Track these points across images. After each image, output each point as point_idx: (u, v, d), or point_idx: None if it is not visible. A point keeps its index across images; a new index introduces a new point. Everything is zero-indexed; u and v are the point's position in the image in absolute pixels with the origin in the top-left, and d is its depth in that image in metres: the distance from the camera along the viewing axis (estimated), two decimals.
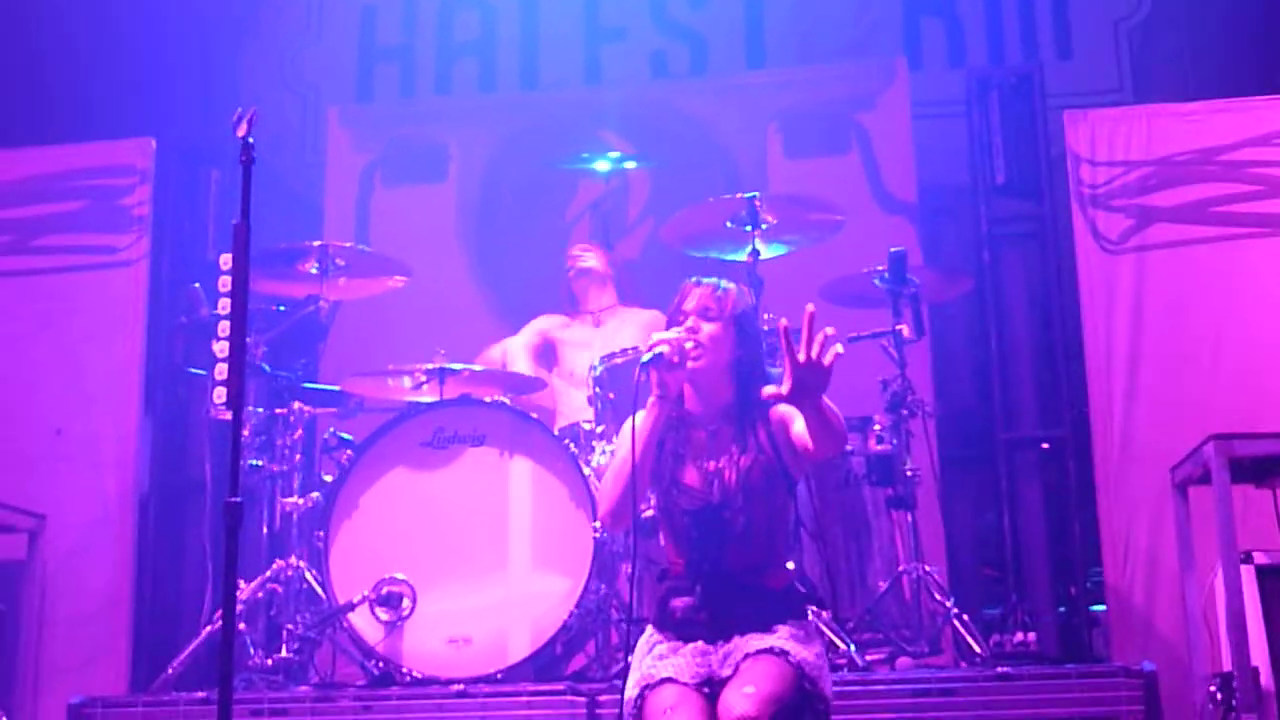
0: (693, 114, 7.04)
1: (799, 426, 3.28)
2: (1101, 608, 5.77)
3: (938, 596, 4.98)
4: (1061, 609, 6.09)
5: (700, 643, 3.29)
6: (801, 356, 3.07)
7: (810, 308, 3.10)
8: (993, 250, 6.48)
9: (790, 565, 3.52)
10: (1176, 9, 7.26)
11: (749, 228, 5.15)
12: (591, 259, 5.86)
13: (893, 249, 5.23)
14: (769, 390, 3.20)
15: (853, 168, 6.80)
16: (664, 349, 3.37)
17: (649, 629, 3.42)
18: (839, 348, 3.08)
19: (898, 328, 5.18)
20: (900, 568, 5.01)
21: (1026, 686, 4.33)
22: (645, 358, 3.38)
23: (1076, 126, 5.99)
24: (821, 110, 6.93)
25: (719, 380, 3.43)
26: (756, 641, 3.24)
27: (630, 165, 5.90)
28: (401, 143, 7.23)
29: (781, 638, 3.24)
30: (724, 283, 3.51)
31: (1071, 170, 5.97)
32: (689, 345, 3.39)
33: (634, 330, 5.62)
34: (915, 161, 6.76)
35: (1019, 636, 5.22)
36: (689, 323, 3.42)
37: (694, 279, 3.53)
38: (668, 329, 3.44)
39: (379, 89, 7.87)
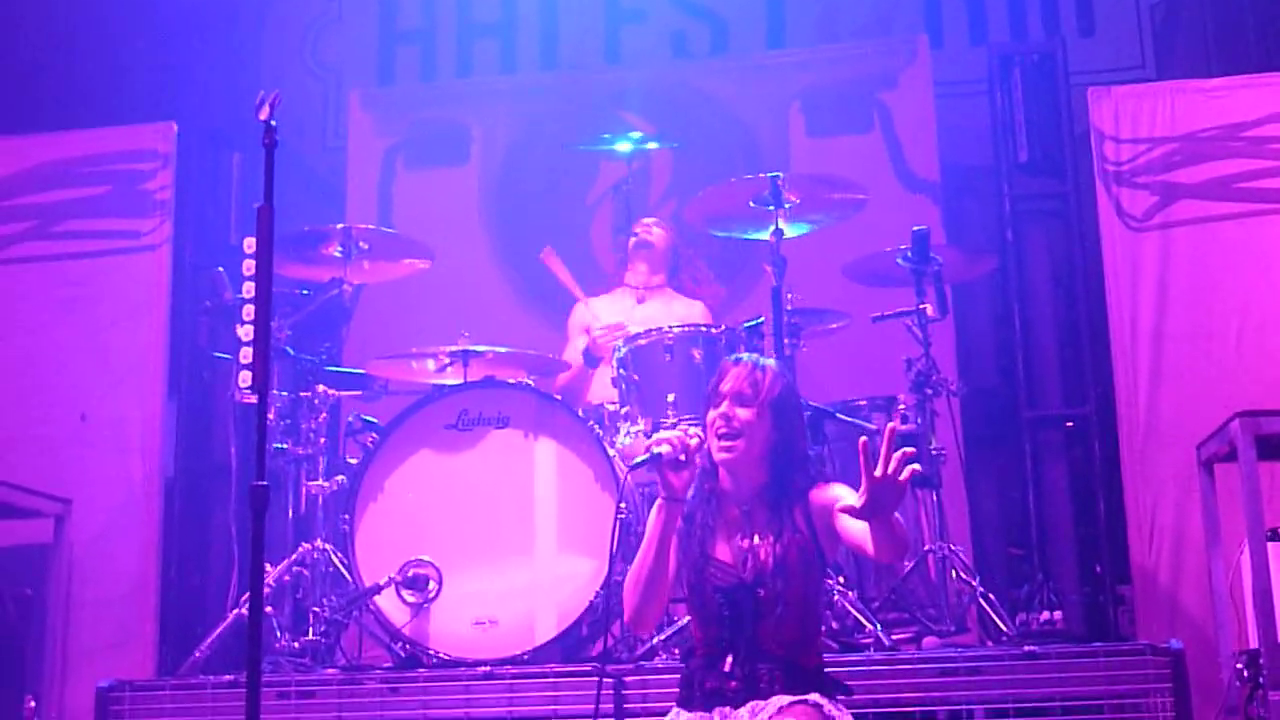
0: (714, 94, 7.03)
1: (853, 527, 3.16)
2: (1127, 586, 5.75)
3: (963, 576, 4.97)
4: (1087, 588, 6.08)
5: (728, 708, 3.20)
6: (878, 472, 2.95)
7: (891, 425, 3.10)
8: (1016, 229, 6.46)
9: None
10: None
11: (772, 207, 5.12)
12: (657, 233, 5.83)
13: (916, 228, 5.20)
14: (844, 502, 3.14)
15: (875, 146, 6.78)
16: (664, 449, 3.26)
17: (673, 710, 3.30)
18: (916, 466, 2.96)
19: (921, 307, 5.16)
20: (926, 547, 4.99)
21: (1053, 665, 4.30)
22: (639, 459, 3.30)
23: (1100, 103, 5.94)
24: (843, 89, 6.91)
25: (755, 464, 3.33)
26: (789, 698, 3.15)
27: (652, 146, 5.88)
28: (423, 125, 7.24)
29: (815, 697, 3.16)
30: (762, 361, 3.40)
31: (1095, 147, 5.93)
32: (692, 442, 3.28)
33: (671, 315, 5.60)
34: (938, 140, 6.74)
35: (1045, 615, 5.21)
36: (723, 407, 3.30)
37: (733, 357, 3.43)
38: (705, 408, 3.34)
39: (400, 72, 7.88)
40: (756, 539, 3.28)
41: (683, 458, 3.27)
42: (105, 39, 7.37)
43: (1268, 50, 6.64)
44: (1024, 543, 6.25)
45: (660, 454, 3.26)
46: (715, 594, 3.29)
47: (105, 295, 6.18)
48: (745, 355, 3.45)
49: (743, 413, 3.29)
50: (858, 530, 3.16)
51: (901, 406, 5.10)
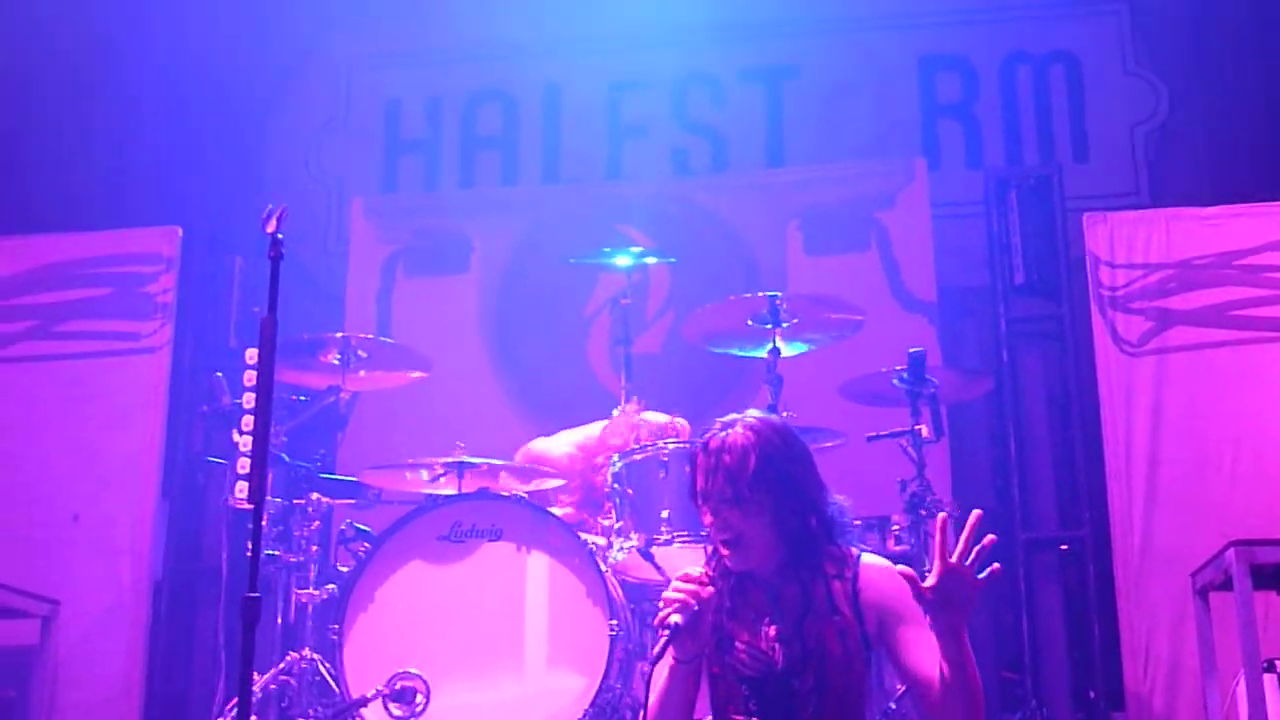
0: (714, 210, 7.10)
1: (919, 657, 2.81)
2: (1122, 713, 5.69)
3: None
4: (1081, 714, 6.02)
5: None
6: (954, 557, 2.67)
7: (977, 513, 2.71)
8: (1012, 350, 6.50)
9: None
10: (1193, 115, 7.32)
11: (770, 325, 5.16)
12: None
13: (912, 349, 5.23)
14: (904, 569, 2.75)
15: (872, 265, 6.83)
16: (676, 619, 2.84)
17: None
18: (996, 566, 2.69)
19: (916, 428, 5.17)
20: None
21: None
22: (660, 646, 2.87)
23: (1096, 228, 6.03)
24: (842, 208, 6.98)
25: (770, 547, 2.97)
26: None
27: (651, 260, 5.92)
28: (425, 234, 7.30)
29: None
30: (730, 436, 2.96)
31: (1091, 272, 6.00)
32: (705, 593, 2.87)
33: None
34: (935, 261, 6.79)
35: None
36: (710, 514, 2.95)
37: (700, 441, 3.04)
38: (693, 499, 2.97)
39: (403, 181, 7.96)
40: (789, 624, 2.91)
41: (696, 611, 2.86)
42: (110, 141, 7.48)
43: (1261, 179, 6.73)
44: (1017, 666, 6.19)
45: (677, 626, 2.85)
46: (740, 686, 2.93)
47: (103, 396, 6.20)
48: (713, 433, 3.01)
49: (732, 513, 2.93)
50: (923, 671, 2.80)
51: (895, 527, 5.09)
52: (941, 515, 2.75)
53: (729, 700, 2.95)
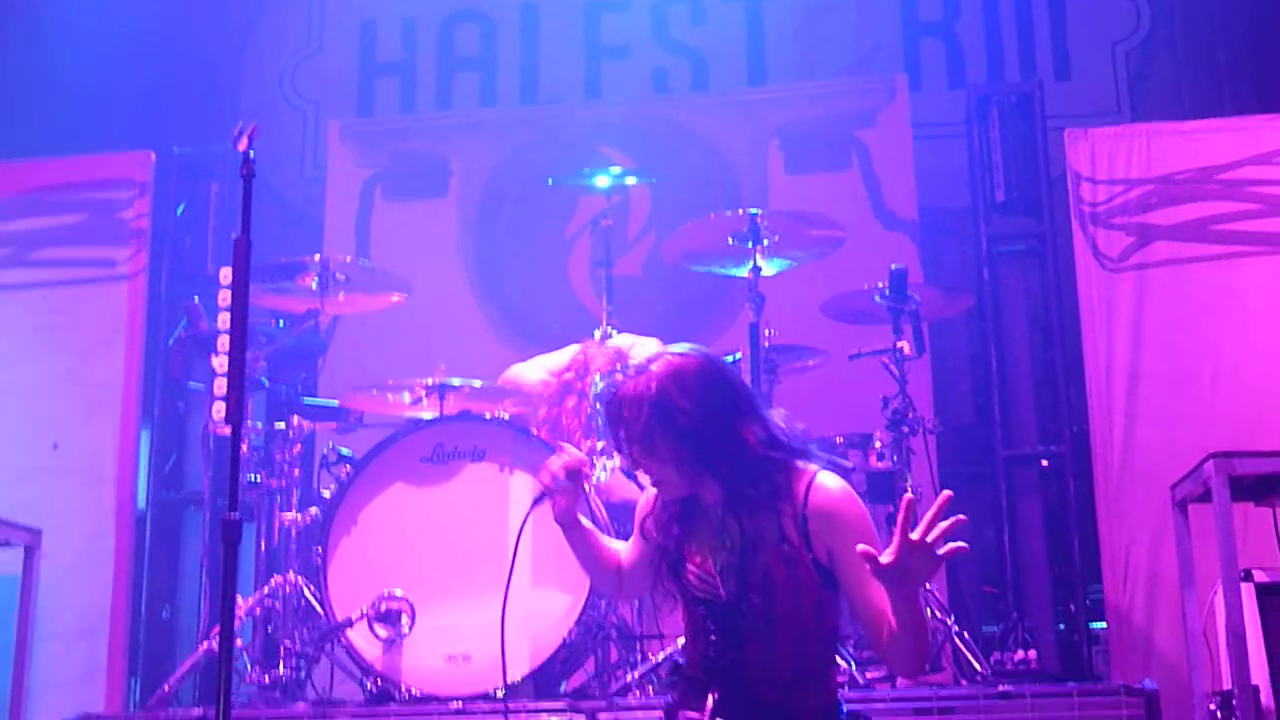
0: (694, 130, 7.04)
1: (868, 601, 2.71)
2: (1102, 625, 5.74)
3: (938, 614, 4.96)
4: (1062, 626, 6.07)
5: None
6: (915, 535, 2.54)
7: (946, 493, 2.58)
8: (993, 268, 6.48)
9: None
10: (1173, 31, 7.28)
11: (751, 244, 5.14)
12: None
13: (893, 266, 5.22)
14: (862, 547, 2.60)
15: (853, 184, 6.80)
16: (544, 479, 3.09)
17: None
18: (963, 545, 2.56)
19: (898, 345, 5.17)
20: None
21: (1028, 704, 4.30)
22: (536, 499, 3.16)
23: (1077, 145, 5.98)
24: (822, 126, 6.93)
25: (697, 483, 2.88)
26: None
27: (631, 181, 5.87)
28: (402, 157, 7.22)
29: None
30: (623, 385, 2.87)
31: (1072, 188, 5.96)
32: (555, 466, 3.08)
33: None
34: (916, 180, 6.76)
35: (1019, 654, 5.20)
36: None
37: (597, 393, 3.00)
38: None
39: (380, 103, 7.87)
40: (735, 553, 2.82)
41: (561, 479, 3.07)
42: (84, 68, 7.36)
43: (1241, 94, 6.70)
44: (999, 581, 6.24)
45: (542, 494, 3.12)
46: (698, 607, 2.88)
47: (80, 324, 6.14)
48: (610, 383, 2.93)
49: (644, 461, 2.87)
50: (871, 608, 2.71)
51: (877, 444, 5.11)
52: (906, 497, 2.59)
53: (691, 619, 2.93)
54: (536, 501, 3.17)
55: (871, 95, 6.95)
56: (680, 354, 2.92)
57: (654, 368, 2.87)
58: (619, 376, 2.92)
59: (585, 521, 3.22)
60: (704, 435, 2.82)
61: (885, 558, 2.56)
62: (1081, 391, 5.84)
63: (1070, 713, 4.28)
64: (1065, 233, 6.08)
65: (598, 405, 4.15)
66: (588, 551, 3.19)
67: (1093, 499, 5.71)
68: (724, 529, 2.86)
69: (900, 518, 2.56)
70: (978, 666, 4.81)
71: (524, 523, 3.23)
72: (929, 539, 2.54)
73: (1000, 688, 4.38)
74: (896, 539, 2.56)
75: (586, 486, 3.25)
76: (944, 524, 2.56)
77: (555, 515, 3.14)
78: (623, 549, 3.20)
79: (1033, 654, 5.18)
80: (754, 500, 2.82)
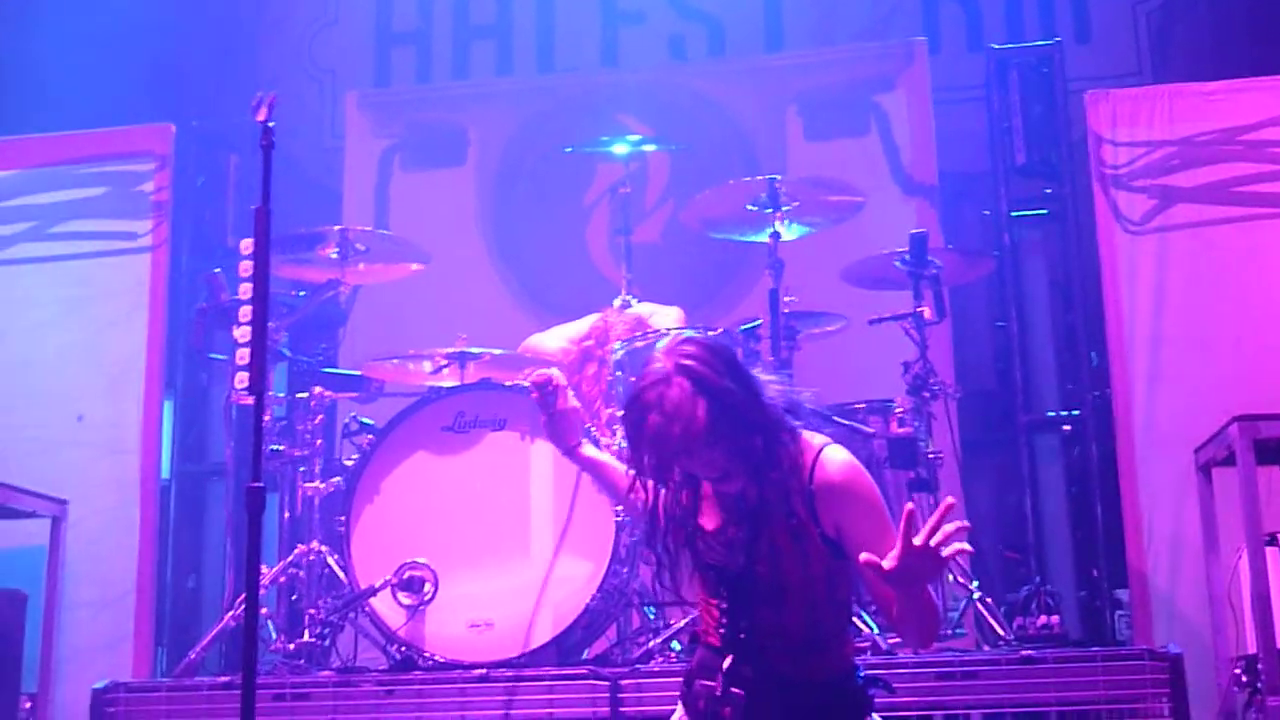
0: (712, 96, 7.00)
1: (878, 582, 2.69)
2: (1125, 590, 5.72)
3: (960, 579, 4.95)
4: (1084, 592, 6.06)
5: None
6: (918, 540, 2.52)
7: (949, 500, 2.56)
8: (1013, 232, 6.46)
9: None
10: None
11: (770, 210, 5.12)
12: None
13: (914, 231, 5.21)
14: (865, 557, 2.55)
15: (872, 149, 6.75)
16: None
17: (679, 709, 2.92)
18: (966, 546, 2.54)
19: (919, 310, 5.14)
20: None
21: (1050, 669, 4.28)
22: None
23: (1098, 107, 5.93)
24: (840, 92, 6.88)
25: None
26: None
27: (649, 148, 5.85)
28: (420, 127, 7.21)
29: None
30: (665, 389, 2.69)
31: (1093, 151, 5.92)
32: (531, 381, 3.31)
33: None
34: (935, 144, 6.72)
35: (1042, 619, 5.17)
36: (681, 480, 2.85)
37: (631, 400, 2.77)
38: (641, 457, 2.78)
39: (397, 73, 7.84)
40: (740, 524, 2.79)
41: (534, 397, 3.29)
42: (103, 41, 7.34)
43: (1262, 54, 6.62)
44: (1021, 546, 6.23)
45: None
46: (710, 571, 2.85)
47: (102, 296, 6.17)
48: (644, 389, 2.72)
49: (708, 455, 2.73)
50: (878, 585, 2.69)
51: (898, 409, 5.07)
52: (908, 506, 2.56)
53: (704, 585, 2.90)
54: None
55: (890, 59, 6.90)
56: (693, 341, 2.82)
57: (684, 360, 2.74)
58: (642, 387, 2.74)
59: (591, 449, 3.31)
60: (745, 410, 2.75)
61: (888, 563, 2.53)
62: (1103, 355, 5.82)
63: (1094, 677, 4.25)
64: (1086, 196, 6.04)
65: (619, 373, 4.17)
66: (602, 481, 3.30)
67: (1115, 463, 5.69)
68: (738, 499, 2.80)
69: (902, 527, 2.53)
70: (1000, 631, 4.80)
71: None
72: (931, 543, 2.52)
73: (1023, 653, 4.37)
74: (899, 545, 2.53)
75: (574, 402, 3.34)
76: (948, 528, 2.52)
77: (547, 434, 3.29)
78: None
79: (1055, 619, 5.16)
80: (769, 468, 2.75)
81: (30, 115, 6.96)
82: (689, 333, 2.95)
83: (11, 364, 6.12)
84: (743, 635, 2.81)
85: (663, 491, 2.88)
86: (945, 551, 2.53)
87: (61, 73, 7.32)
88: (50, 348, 6.13)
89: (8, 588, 5.37)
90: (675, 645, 4.62)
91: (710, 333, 2.85)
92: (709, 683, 2.83)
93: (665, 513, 2.89)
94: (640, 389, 2.74)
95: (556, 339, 5.63)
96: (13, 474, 5.61)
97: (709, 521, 2.86)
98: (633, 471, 2.83)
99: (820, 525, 2.75)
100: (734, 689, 2.78)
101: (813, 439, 2.83)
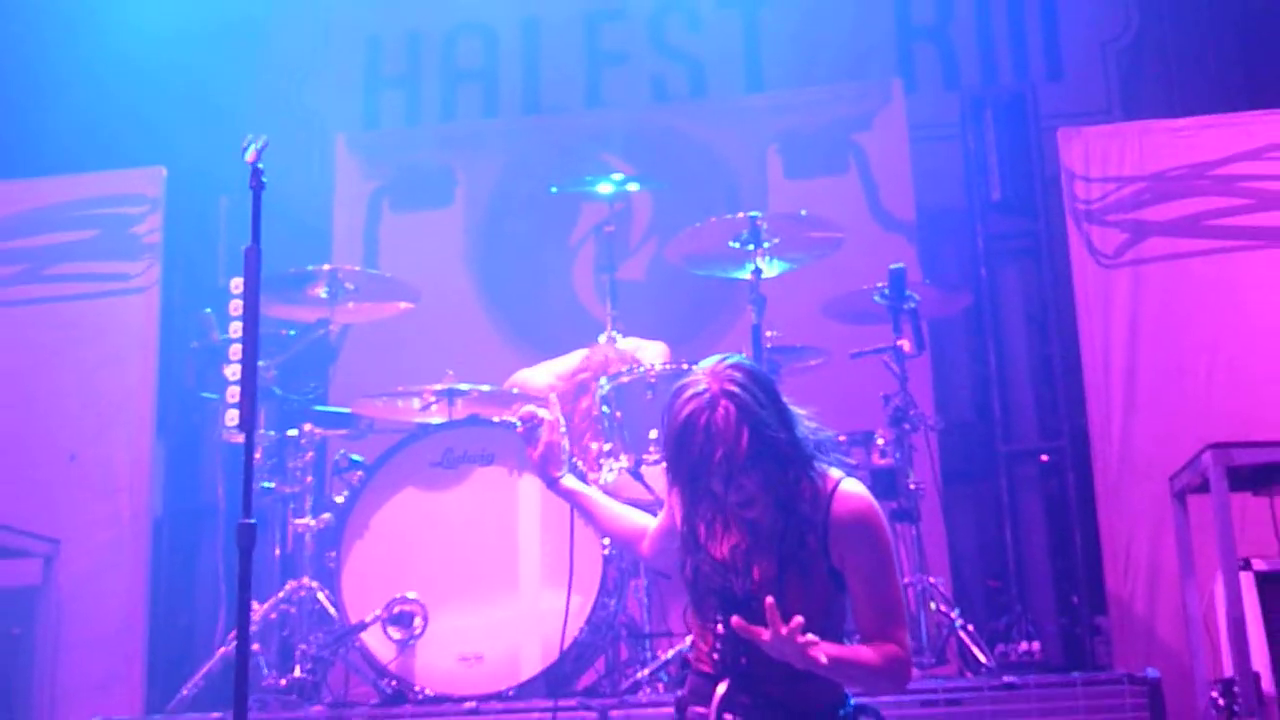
0: (694, 136, 7.04)
1: (854, 609, 2.82)
2: (1104, 616, 5.73)
3: (942, 608, 4.96)
4: (1064, 618, 6.07)
5: None
6: (768, 636, 2.61)
7: (796, 620, 2.60)
8: (990, 266, 6.50)
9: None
10: (1162, 30, 7.27)
11: (751, 246, 5.14)
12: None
13: (893, 266, 5.22)
14: (769, 600, 2.61)
15: (851, 187, 6.79)
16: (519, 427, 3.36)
17: None
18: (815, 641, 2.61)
19: (898, 343, 5.17)
20: (905, 580, 4.97)
21: (1032, 695, 4.30)
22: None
23: (1070, 144, 5.97)
24: (820, 131, 6.93)
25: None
26: None
27: (633, 187, 5.87)
28: (409, 169, 7.24)
29: None
30: (714, 411, 2.72)
31: (1066, 187, 5.95)
32: (522, 420, 3.33)
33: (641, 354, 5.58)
34: (913, 181, 6.76)
35: (1023, 646, 5.18)
36: (717, 507, 2.85)
37: (678, 418, 2.77)
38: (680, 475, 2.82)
39: (385, 116, 7.87)
40: (751, 550, 2.81)
41: (520, 431, 3.32)
42: (93, 84, 7.35)
43: (1230, 90, 6.69)
44: (1002, 575, 6.24)
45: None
46: (711, 596, 2.85)
47: (95, 337, 6.14)
48: (690, 408, 2.74)
49: (743, 481, 2.74)
50: (858, 619, 2.82)
51: (880, 441, 5.09)
52: (735, 620, 2.65)
53: (701, 612, 2.91)
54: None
55: (867, 99, 6.95)
56: (740, 368, 2.83)
57: (730, 387, 2.76)
58: (688, 407, 2.75)
59: (573, 482, 3.31)
60: (783, 443, 2.76)
61: (766, 635, 2.61)
62: (1079, 387, 5.83)
63: (1074, 702, 4.27)
64: (1060, 230, 6.07)
65: (605, 409, 4.20)
66: (584, 513, 3.31)
67: (1093, 492, 5.70)
68: (755, 525, 2.82)
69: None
70: (982, 659, 4.80)
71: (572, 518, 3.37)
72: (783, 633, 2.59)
73: (1005, 679, 4.38)
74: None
75: (559, 436, 3.35)
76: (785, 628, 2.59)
77: (533, 465, 3.32)
78: (650, 519, 3.21)
79: (1036, 645, 5.17)
80: (788, 499, 2.78)
81: (21, 158, 6.96)
82: (735, 357, 2.86)
83: (4, 404, 6.09)
84: (737, 663, 2.81)
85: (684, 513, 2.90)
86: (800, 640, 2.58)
87: (52, 116, 7.33)
88: (43, 388, 6.10)
89: (1, 626, 5.34)
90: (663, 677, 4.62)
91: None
92: (702, 709, 2.83)
93: (688, 538, 2.91)
94: (685, 410, 2.75)
95: (544, 374, 5.64)
96: (5, 513, 5.58)
97: (716, 547, 2.86)
98: (673, 487, 2.86)
99: (829, 558, 2.79)
100: (728, 715, 2.79)
101: (831, 472, 2.86)
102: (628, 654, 4.83)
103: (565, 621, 3.67)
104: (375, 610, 4.65)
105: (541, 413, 3.34)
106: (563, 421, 3.39)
